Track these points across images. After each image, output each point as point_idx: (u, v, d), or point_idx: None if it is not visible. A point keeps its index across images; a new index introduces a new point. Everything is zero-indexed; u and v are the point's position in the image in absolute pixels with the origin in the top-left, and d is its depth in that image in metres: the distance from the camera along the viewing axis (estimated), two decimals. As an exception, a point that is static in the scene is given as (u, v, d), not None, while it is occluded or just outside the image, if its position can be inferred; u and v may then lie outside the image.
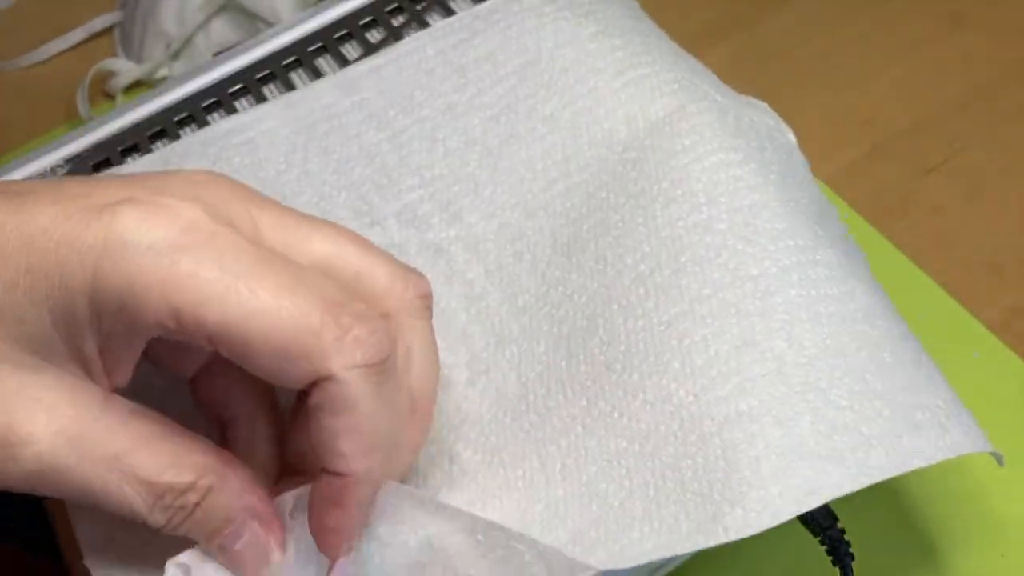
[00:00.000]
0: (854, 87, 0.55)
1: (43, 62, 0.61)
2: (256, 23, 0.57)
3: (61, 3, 0.63)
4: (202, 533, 0.29)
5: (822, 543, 0.36)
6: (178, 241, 0.26)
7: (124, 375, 0.28)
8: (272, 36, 0.46)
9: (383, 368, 0.27)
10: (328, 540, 0.29)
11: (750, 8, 0.59)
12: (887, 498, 0.41)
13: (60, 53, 0.61)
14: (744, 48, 0.57)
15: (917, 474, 0.42)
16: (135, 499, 0.27)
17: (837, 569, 0.36)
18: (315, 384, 0.26)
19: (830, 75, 0.56)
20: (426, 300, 0.30)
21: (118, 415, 0.27)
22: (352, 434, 0.27)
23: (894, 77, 0.55)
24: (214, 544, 0.29)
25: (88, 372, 0.28)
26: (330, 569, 0.29)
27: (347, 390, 0.26)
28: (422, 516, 0.29)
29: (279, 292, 0.26)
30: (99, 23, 0.62)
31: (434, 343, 0.31)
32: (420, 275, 0.30)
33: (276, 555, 0.29)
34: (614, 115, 0.38)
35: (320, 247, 0.29)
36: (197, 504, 0.28)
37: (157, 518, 0.28)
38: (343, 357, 0.26)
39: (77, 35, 0.61)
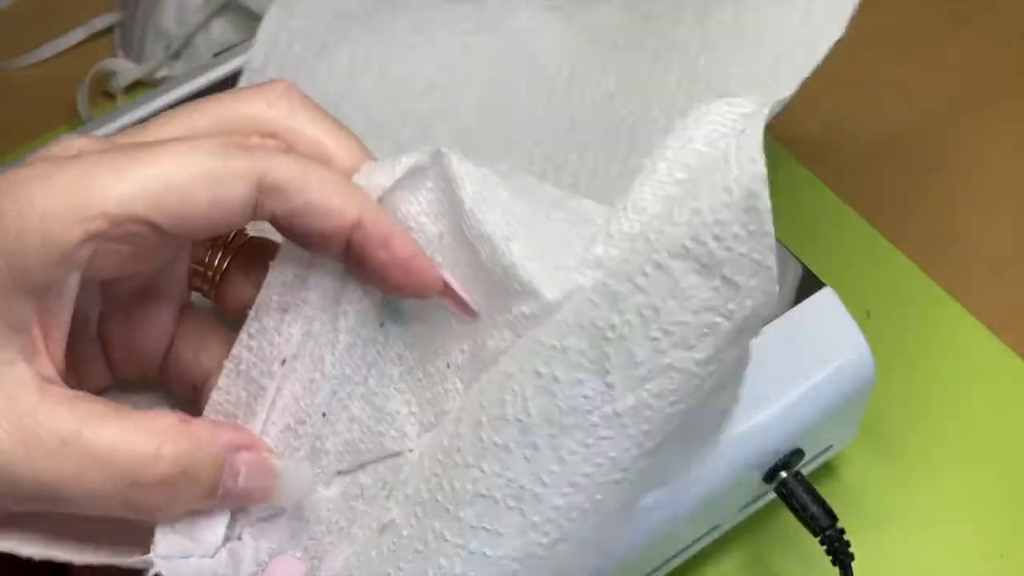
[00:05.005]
0: (854, 87, 0.55)
1: (43, 62, 0.61)
2: (257, 23, 0.56)
3: (61, 3, 0.63)
4: (199, 494, 0.26)
5: (822, 543, 0.36)
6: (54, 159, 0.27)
7: (61, 341, 0.26)
8: (272, 36, 0.46)
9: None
10: (411, 267, 0.27)
11: (750, 8, 0.59)
12: (887, 497, 0.42)
13: (60, 53, 0.61)
14: (744, 48, 0.57)
15: (917, 473, 0.42)
16: (102, 485, 0.25)
17: (837, 569, 0.36)
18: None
19: (830, 75, 0.56)
20: (289, 91, 0.30)
21: (58, 397, 0.25)
22: (336, 189, 0.27)
23: (894, 77, 0.55)
24: (216, 498, 0.27)
25: (26, 349, 0.25)
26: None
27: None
28: None
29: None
30: (99, 23, 0.62)
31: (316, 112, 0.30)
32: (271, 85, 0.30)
33: (277, 462, 0.28)
34: None
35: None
36: (180, 470, 0.25)
37: (140, 502, 0.25)
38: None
39: (77, 35, 0.62)
